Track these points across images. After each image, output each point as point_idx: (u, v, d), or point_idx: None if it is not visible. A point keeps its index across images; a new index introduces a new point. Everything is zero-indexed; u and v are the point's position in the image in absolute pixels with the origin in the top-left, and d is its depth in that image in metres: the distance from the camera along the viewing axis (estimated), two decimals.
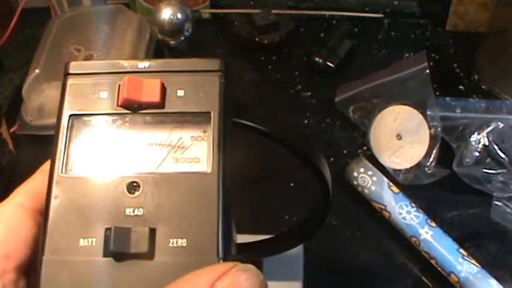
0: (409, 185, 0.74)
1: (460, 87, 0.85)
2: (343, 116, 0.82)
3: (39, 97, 0.80)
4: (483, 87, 0.85)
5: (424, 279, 0.68)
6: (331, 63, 0.87)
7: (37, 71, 0.81)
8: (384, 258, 0.70)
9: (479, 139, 0.72)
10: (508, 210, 0.72)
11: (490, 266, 0.65)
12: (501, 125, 0.73)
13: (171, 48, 0.41)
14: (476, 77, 0.87)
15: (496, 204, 0.72)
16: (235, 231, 0.40)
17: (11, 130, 0.82)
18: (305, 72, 0.89)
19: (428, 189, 0.74)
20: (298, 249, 0.66)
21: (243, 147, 0.79)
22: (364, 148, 0.79)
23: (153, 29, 0.40)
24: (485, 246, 0.70)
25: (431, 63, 0.87)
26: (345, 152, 0.79)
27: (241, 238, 0.62)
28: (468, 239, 0.70)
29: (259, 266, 0.64)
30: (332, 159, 0.78)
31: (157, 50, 0.89)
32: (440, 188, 0.74)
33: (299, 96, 0.86)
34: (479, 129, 0.73)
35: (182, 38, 0.40)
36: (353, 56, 0.90)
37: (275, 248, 0.60)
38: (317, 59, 0.87)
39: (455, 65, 0.88)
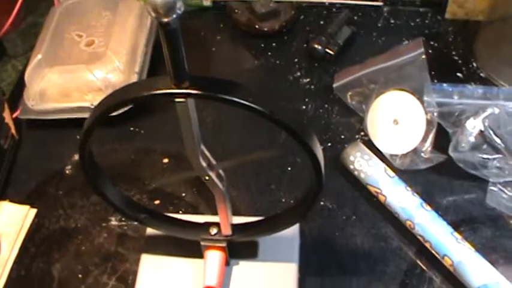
0: (406, 169, 0.74)
1: (459, 74, 0.86)
2: (341, 102, 0.83)
3: (42, 81, 0.81)
4: (481, 74, 0.86)
5: (419, 262, 0.68)
6: (330, 50, 0.87)
7: (39, 56, 0.82)
8: (379, 241, 0.70)
9: (475, 124, 0.73)
10: (504, 195, 0.72)
11: (484, 250, 0.66)
12: (497, 111, 0.73)
13: (164, 26, 0.42)
14: (474, 64, 0.87)
15: (492, 190, 0.73)
16: None
17: (14, 115, 0.84)
18: (304, 59, 0.90)
19: (425, 174, 0.75)
20: (294, 231, 0.67)
21: (241, 135, 0.81)
22: (362, 133, 0.79)
23: (146, 8, 0.41)
24: (480, 231, 0.70)
25: (430, 51, 0.88)
26: (342, 137, 0.80)
27: (238, 220, 0.63)
28: (463, 223, 0.70)
29: (255, 247, 0.66)
30: (329, 144, 0.79)
31: (158, 37, 0.90)
32: (437, 173, 0.75)
33: (298, 82, 0.87)
34: (475, 114, 0.73)
35: (174, 16, 0.41)
36: (352, 43, 0.90)
37: (271, 228, 0.61)
38: (316, 46, 0.87)
39: (453, 52, 0.89)
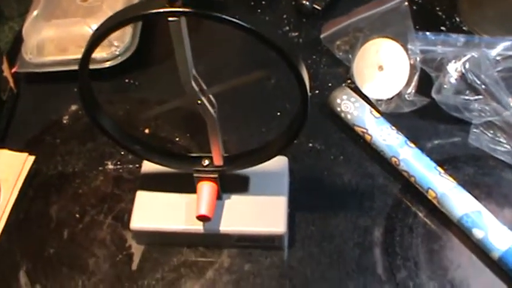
0: (391, 113, 0.77)
1: (442, 28, 0.89)
2: (329, 53, 0.85)
3: (39, 35, 0.84)
4: (464, 28, 0.88)
5: (404, 198, 0.71)
6: (317, 5, 0.90)
7: (36, 12, 0.85)
8: (366, 179, 0.73)
9: (457, 67, 0.75)
10: (486, 137, 0.75)
11: (467, 186, 0.68)
12: (476, 55, 0.76)
13: None
14: (457, 19, 0.90)
15: (474, 131, 0.75)
16: None
17: (12, 71, 0.86)
18: (293, 14, 0.92)
19: (409, 117, 0.77)
20: (283, 167, 0.70)
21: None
22: (348, 81, 0.82)
23: None
24: (462, 169, 0.73)
25: (414, 7, 0.91)
26: (330, 84, 0.83)
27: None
28: (446, 163, 0.73)
29: (246, 182, 0.68)
30: (317, 91, 0.81)
31: None
32: (420, 117, 0.78)
33: (287, 36, 0.89)
34: (457, 58, 0.76)
35: None
36: (339, 0, 0.93)
37: (261, 157, 0.64)
38: (304, 2, 0.90)
39: (437, 8, 0.91)
